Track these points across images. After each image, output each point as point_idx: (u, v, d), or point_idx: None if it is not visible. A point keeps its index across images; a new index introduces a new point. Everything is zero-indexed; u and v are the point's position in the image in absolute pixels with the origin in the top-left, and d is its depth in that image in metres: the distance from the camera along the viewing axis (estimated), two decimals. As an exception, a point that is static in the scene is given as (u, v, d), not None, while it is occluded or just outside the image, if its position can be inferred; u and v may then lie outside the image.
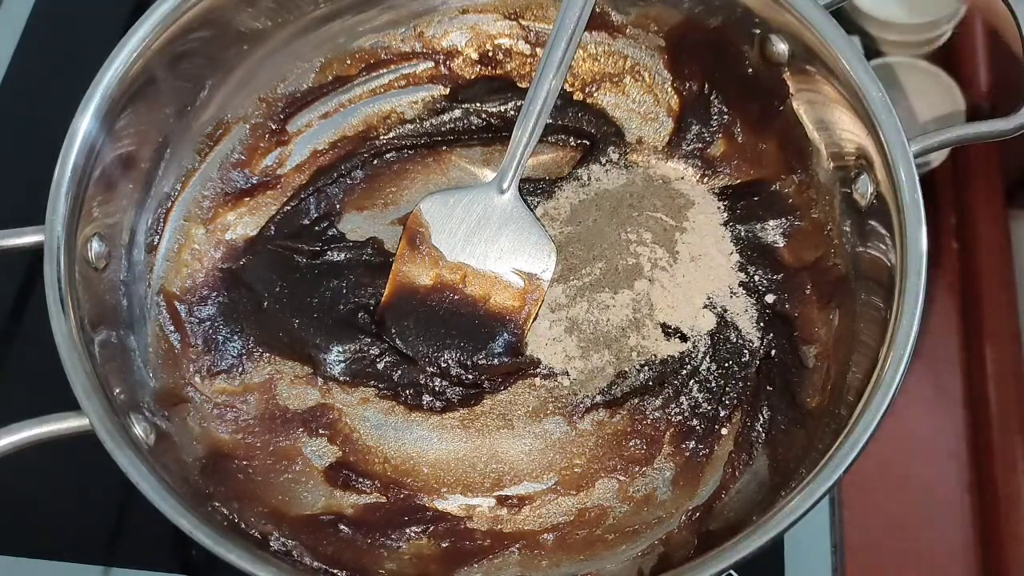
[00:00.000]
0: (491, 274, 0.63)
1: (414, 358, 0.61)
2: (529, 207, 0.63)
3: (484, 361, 0.61)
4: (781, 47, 0.59)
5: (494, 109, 0.68)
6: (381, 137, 0.68)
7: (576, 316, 0.62)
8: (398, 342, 0.62)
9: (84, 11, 0.82)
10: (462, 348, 0.61)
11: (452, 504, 0.59)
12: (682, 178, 0.66)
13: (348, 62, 0.68)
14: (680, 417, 0.60)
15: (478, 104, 0.68)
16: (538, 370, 0.61)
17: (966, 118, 0.82)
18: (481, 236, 0.63)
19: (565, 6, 0.61)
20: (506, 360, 0.61)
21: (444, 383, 0.61)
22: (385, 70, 0.68)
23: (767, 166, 0.64)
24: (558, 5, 0.65)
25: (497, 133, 0.68)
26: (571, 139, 0.68)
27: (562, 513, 0.59)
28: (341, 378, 0.62)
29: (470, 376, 0.61)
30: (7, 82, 0.79)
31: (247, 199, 0.66)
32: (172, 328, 0.61)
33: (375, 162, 0.68)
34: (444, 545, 0.57)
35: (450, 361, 0.61)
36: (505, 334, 0.62)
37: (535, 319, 0.62)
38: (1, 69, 0.79)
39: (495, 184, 0.63)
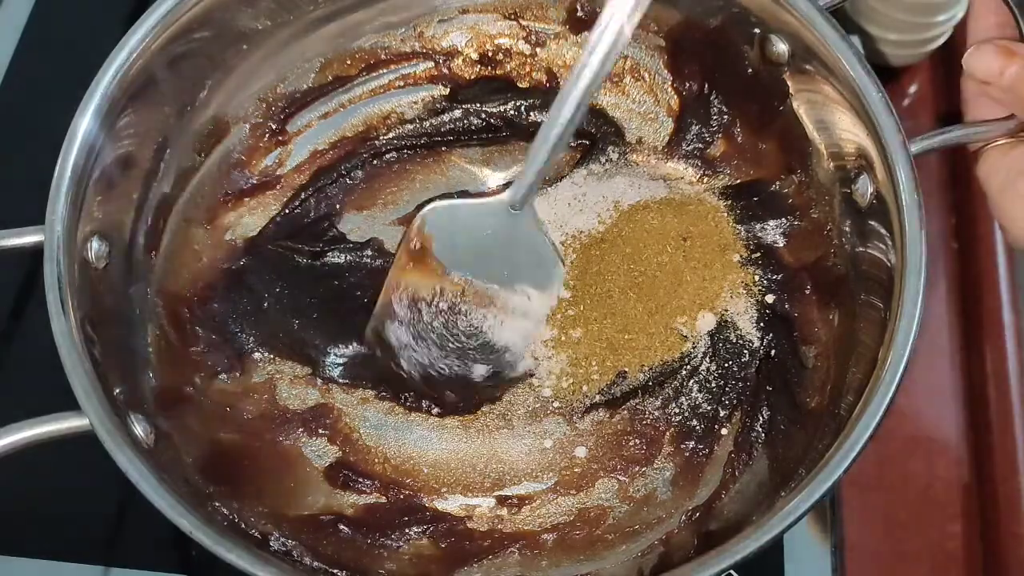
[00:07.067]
0: (495, 290, 0.60)
1: (411, 381, 0.61)
2: (541, 223, 0.59)
3: (484, 383, 0.60)
4: (781, 47, 0.59)
5: (494, 109, 0.68)
6: (381, 137, 0.68)
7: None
8: (393, 364, 0.61)
9: (84, 11, 0.82)
10: (460, 368, 0.60)
11: (452, 504, 0.59)
12: (682, 178, 0.66)
13: (348, 62, 0.68)
14: (680, 417, 0.60)
15: (478, 104, 0.68)
16: (537, 371, 0.61)
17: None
18: (487, 250, 0.59)
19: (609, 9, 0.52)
20: (505, 380, 0.61)
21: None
22: (385, 70, 0.68)
23: (767, 166, 0.64)
24: (558, 5, 0.65)
25: (497, 133, 0.68)
26: (571, 139, 0.68)
27: (562, 513, 0.59)
28: (340, 379, 0.62)
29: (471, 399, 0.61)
30: (7, 82, 0.78)
31: (247, 199, 0.66)
32: (172, 328, 0.61)
33: (375, 162, 0.68)
34: (444, 545, 0.57)
35: (449, 383, 0.60)
36: (506, 354, 0.61)
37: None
38: (1, 69, 0.79)
39: (507, 200, 0.57)
